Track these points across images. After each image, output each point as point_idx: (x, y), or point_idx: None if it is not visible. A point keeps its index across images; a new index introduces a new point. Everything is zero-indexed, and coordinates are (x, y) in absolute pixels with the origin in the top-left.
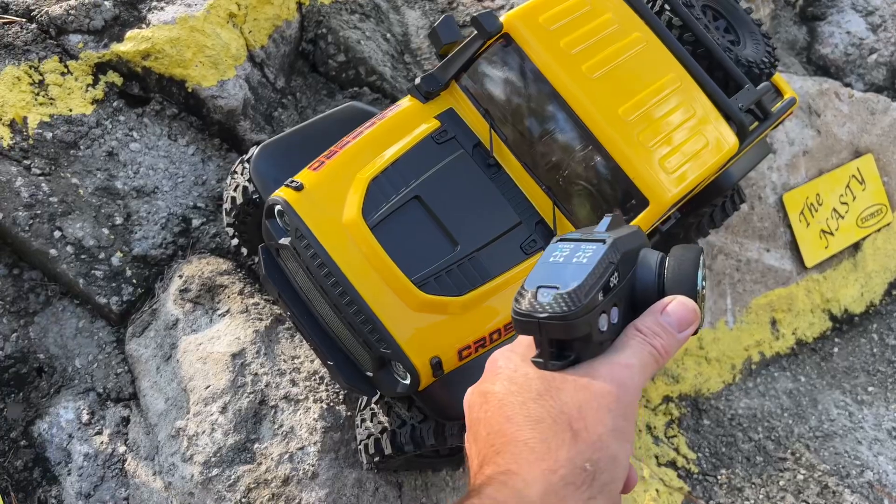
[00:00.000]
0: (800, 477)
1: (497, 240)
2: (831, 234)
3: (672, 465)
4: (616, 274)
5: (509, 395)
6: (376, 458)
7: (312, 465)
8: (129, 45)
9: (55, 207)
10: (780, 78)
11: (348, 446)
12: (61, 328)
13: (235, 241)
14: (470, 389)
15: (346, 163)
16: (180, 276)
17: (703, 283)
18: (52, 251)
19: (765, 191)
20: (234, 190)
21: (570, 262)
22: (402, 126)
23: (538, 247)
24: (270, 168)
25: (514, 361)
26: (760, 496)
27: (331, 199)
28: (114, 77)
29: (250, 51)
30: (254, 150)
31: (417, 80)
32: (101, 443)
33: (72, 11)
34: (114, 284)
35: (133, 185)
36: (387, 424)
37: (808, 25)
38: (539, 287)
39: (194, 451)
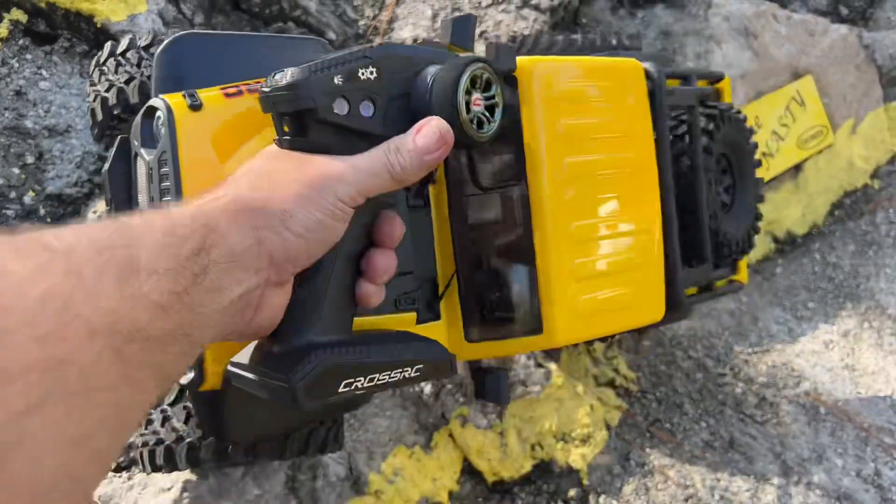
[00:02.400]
0: (738, 390)
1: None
2: (772, 155)
3: (611, 384)
4: (373, 70)
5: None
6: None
7: None
8: None
9: None
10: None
11: None
12: None
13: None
14: None
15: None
16: (95, 213)
17: (476, 98)
18: None
19: None
20: (108, 90)
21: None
22: None
23: (412, 307)
24: (188, 67)
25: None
26: (699, 410)
27: (225, 138)
28: (17, 14)
29: None
30: (163, 39)
31: None
32: None
33: None
34: (28, 223)
35: (44, 125)
36: (182, 433)
37: None
38: (286, 68)
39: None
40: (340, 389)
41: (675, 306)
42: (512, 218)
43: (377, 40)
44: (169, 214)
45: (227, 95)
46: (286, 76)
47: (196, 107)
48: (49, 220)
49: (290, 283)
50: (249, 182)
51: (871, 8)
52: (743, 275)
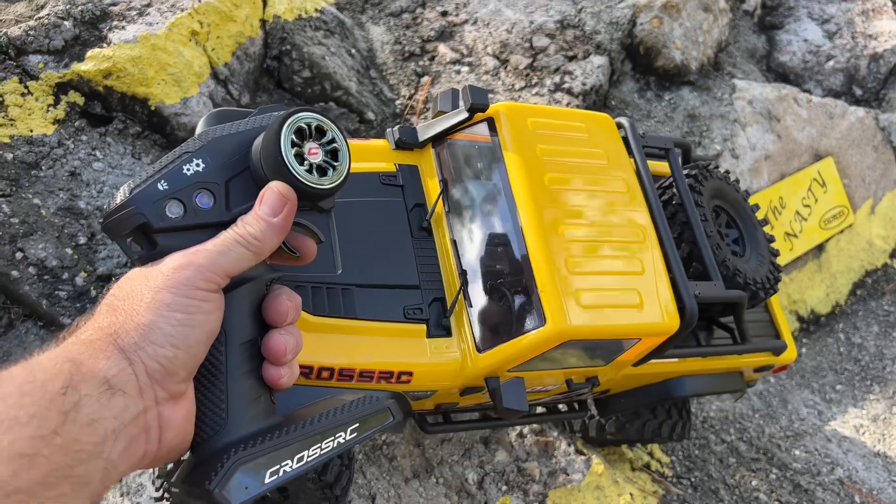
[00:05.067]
0: (772, 476)
1: (383, 288)
2: (795, 236)
3: (646, 468)
4: (199, 162)
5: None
6: None
7: None
8: (90, 64)
9: (17, 228)
10: (786, 331)
11: None
12: (25, 351)
13: None
14: None
15: None
16: None
17: (310, 148)
18: (14, 272)
19: None
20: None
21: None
22: (361, 154)
23: (422, 317)
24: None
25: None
26: (734, 497)
27: None
28: (75, 97)
29: (214, 68)
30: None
31: (396, 128)
32: None
33: (31, 32)
34: (78, 304)
35: (97, 205)
36: None
37: (767, 34)
38: (124, 187)
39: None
40: (267, 480)
41: (687, 316)
42: (507, 235)
43: (413, 119)
44: (29, 362)
45: None
46: (115, 199)
47: None
48: (99, 300)
49: (189, 392)
50: (108, 308)
51: (885, 89)
52: (791, 348)
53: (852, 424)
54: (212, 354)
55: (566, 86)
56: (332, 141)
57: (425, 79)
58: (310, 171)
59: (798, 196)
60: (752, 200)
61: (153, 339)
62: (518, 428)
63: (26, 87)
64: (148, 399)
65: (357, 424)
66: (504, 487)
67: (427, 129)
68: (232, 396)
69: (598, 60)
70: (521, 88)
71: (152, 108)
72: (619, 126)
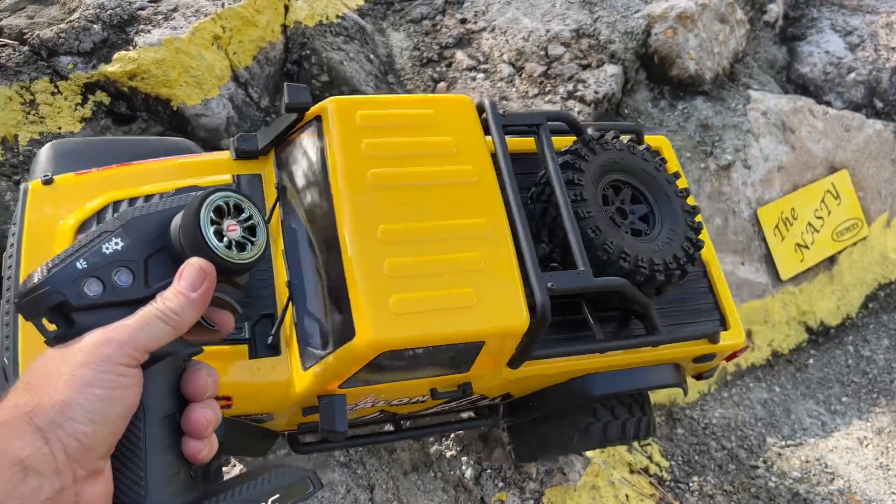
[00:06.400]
0: (771, 484)
1: None
2: (806, 247)
3: (645, 472)
4: (118, 241)
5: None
6: None
7: None
8: (117, 66)
9: None
10: (731, 312)
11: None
12: None
13: None
14: None
15: (111, 178)
16: None
17: (229, 225)
18: None
19: (739, 205)
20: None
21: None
22: (195, 170)
23: (241, 337)
24: (59, 165)
25: None
26: (731, 503)
27: (68, 204)
28: (102, 96)
29: (235, 71)
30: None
31: (235, 138)
32: None
33: (62, 34)
34: None
35: None
36: None
37: (788, 45)
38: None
39: None
40: None
41: (538, 311)
42: (329, 240)
43: None
44: None
45: (77, 174)
46: (32, 278)
47: (48, 181)
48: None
49: (107, 470)
50: (25, 386)
51: None
52: (737, 335)
53: (856, 436)
54: (130, 430)
55: (579, 94)
56: (250, 218)
57: (441, 85)
58: (229, 246)
59: (811, 207)
60: (763, 212)
61: (72, 416)
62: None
63: (56, 86)
64: (66, 478)
65: (278, 495)
66: (500, 484)
67: (265, 134)
68: (151, 472)
69: (612, 69)
70: (535, 96)
71: (174, 109)
72: (481, 109)
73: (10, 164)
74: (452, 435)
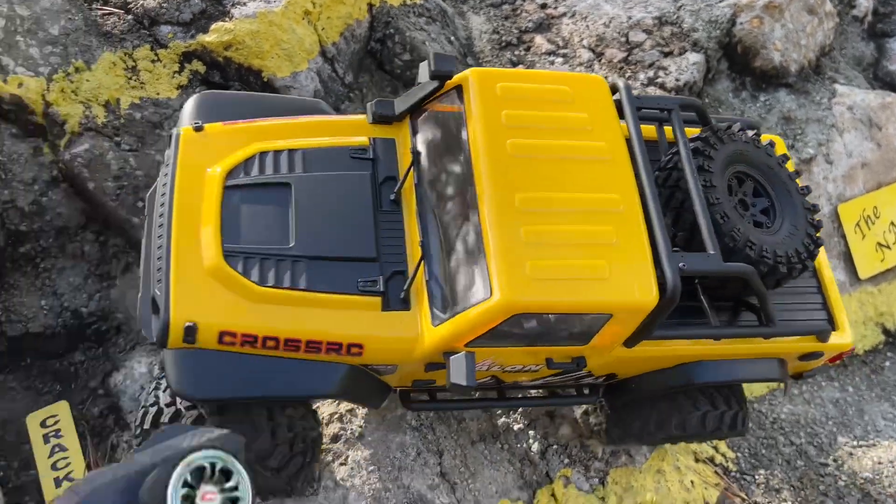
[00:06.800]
0: (841, 483)
1: (338, 261)
2: (888, 247)
3: (710, 461)
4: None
5: None
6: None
7: (360, 427)
8: (213, 36)
9: (140, 180)
10: (840, 314)
11: (394, 412)
12: (137, 292)
13: None
14: None
15: (258, 130)
16: None
17: (206, 493)
18: (135, 219)
19: (819, 200)
20: None
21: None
22: (335, 129)
23: (376, 290)
24: (204, 115)
25: None
26: (798, 499)
27: (216, 151)
28: (198, 65)
29: (322, 46)
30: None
31: (374, 102)
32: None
33: (164, 4)
34: None
35: None
36: (161, 403)
37: (877, 42)
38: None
39: None
40: None
41: (668, 291)
42: (467, 203)
43: None
44: None
45: (225, 123)
46: None
47: (199, 129)
48: None
49: None
50: None
51: None
52: (846, 334)
53: None
54: None
55: (659, 80)
56: (235, 489)
57: (519, 68)
58: None
59: (895, 207)
60: (844, 208)
61: None
62: (584, 406)
63: (156, 54)
64: None
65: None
66: (566, 460)
67: (403, 101)
68: None
69: (694, 58)
70: None
71: (265, 80)
72: (614, 89)
73: (112, 126)
74: (521, 409)
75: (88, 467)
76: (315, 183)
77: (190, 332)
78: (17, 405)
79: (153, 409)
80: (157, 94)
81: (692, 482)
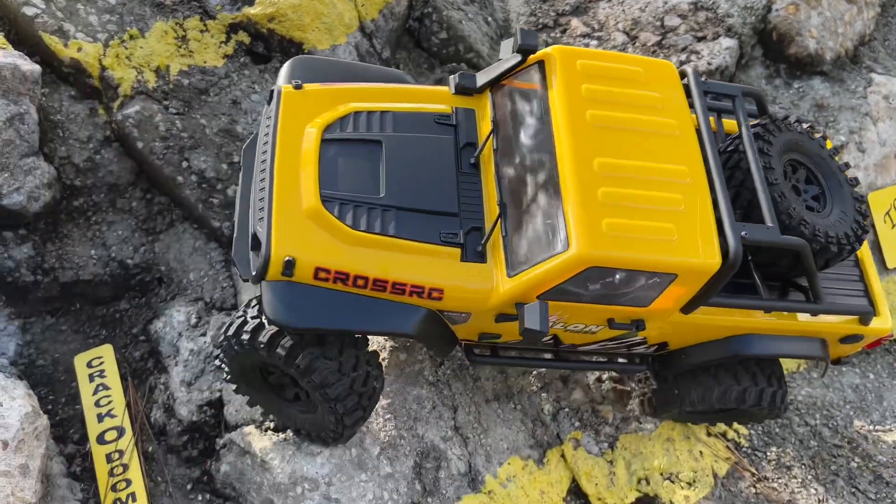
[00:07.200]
0: (854, 464)
1: (423, 213)
2: None
3: (723, 436)
4: None
5: None
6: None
7: None
8: (258, 8)
9: (185, 142)
10: (881, 299)
11: (412, 367)
12: (181, 246)
13: None
14: None
15: (351, 92)
16: None
17: None
18: (179, 178)
19: None
20: None
21: None
22: (420, 97)
23: (456, 241)
24: (300, 76)
25: None
26: (809, 476)
27: (315, 107)
28: (243, 36)
29: (361, 22)
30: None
31: (457, 75)
32: (205, 342)
33: None
34: (227, 212)
35: (251, 130)
36: (248, 317)
37: None
38: None
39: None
40: None
41: (730, 256)
42: (546, 164)
43: None
44: None
45: (323, 84)
46: None
47: (298, 87)
48: None
49: None
50: None
51: None
52: (887, 321)
53: None
54: None
55: (691, 64)
56: None
57: None
58: None
59: None
60: (874, 197)
61: None
62: (597, 372)
63: (205, 24)
64: None
65: None
66: (577, 423)
67: (485, 74)
68: None
69: (727, 42)
70: None
71: (305, 52)
72: (683, 74)
73: (161, 91)
74: (535, 371)
75: (128, 406)
76: (404, 142)
77: (289, 266)
78: (67, 347)
79: (238, 320)
80: (205, 62)
81: (701, 452)
